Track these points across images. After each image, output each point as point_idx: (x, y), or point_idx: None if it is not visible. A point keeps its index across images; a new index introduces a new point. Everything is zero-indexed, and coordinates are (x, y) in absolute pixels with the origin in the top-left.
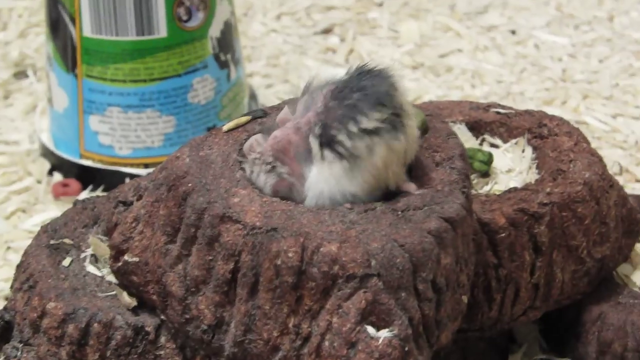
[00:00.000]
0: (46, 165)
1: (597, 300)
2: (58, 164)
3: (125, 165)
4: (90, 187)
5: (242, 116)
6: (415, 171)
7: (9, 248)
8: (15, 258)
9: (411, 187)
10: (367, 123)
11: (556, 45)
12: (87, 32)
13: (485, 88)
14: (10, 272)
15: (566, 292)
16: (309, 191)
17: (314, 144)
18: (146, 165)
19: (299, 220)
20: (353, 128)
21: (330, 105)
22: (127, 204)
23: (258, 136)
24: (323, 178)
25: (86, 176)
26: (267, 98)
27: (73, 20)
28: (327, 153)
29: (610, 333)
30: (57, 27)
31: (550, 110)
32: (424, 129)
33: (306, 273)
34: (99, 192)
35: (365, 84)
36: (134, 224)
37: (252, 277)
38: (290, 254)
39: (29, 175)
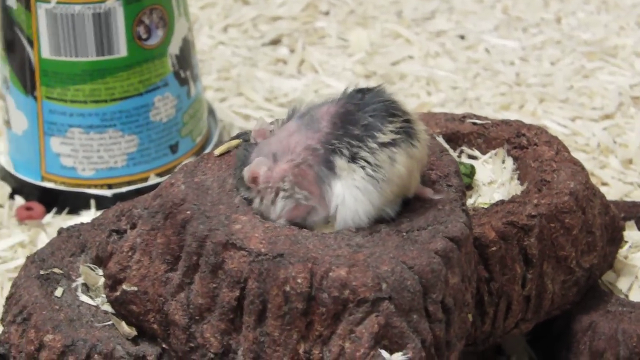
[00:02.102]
0: (7, 188)
1: (587, 309)
2: (18, 187)
3: (89, 186)
4: (54, 209)
5: (232, 139)
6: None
7: None
8: None
9: (428, 192)
10: (384, 137)
11: (506, 48)
12: (46, 53)
13: (442, 95)
14: None
15: (556, 302)
16: (339, 214)
17: (340, 160)
18: (110, 186)
19: (304, 245)
20: (372, 144)
21: (342, 125)
22: (120, 233)
23: (261, 160)
24: (353, 198)
25: (48, 199)
26: (223, 112)
27: (31, 42)
28: (355, 167)
29: (602, 342)
30: (13, 49)
31: (509, 115)
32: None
33: (316, 299)
34: (64, 215)
35: (369, 100)
36: (130, 253)
37: (259, 304)
38: (299, 280)
39: None
